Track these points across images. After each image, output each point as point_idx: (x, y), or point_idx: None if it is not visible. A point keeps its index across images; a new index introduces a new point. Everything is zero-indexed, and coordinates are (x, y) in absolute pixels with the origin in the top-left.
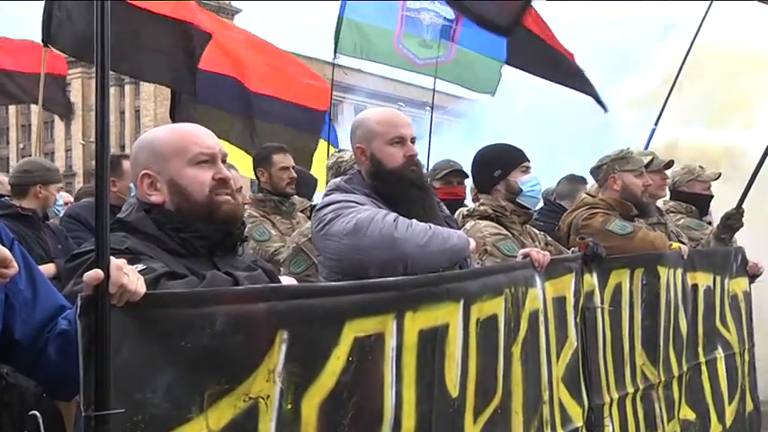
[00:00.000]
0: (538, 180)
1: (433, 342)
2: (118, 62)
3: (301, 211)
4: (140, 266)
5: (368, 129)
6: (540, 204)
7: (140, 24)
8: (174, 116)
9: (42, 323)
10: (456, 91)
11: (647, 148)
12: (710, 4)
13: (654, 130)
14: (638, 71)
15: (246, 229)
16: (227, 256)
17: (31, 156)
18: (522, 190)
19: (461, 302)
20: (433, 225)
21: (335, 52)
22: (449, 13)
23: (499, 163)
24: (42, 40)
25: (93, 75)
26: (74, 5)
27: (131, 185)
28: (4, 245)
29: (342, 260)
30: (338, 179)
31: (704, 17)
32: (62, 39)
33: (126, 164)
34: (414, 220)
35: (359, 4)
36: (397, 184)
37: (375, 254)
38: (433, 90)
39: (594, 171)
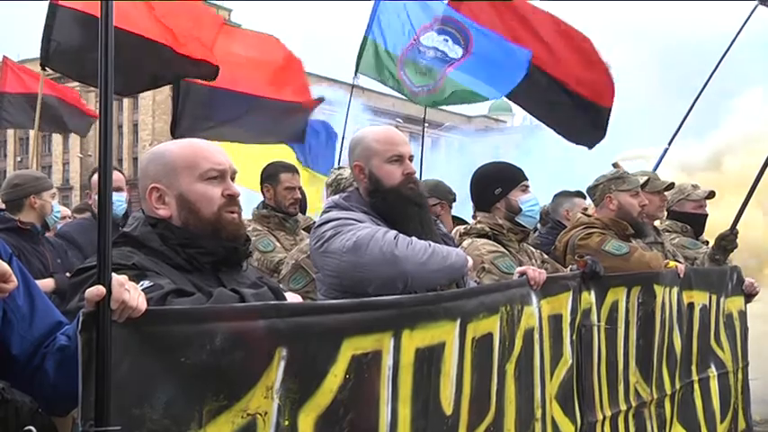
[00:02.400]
0: (537, 200)
1: (429, 360)
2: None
3: (304, 229)
4: (147, 283)
5: (366, 147)
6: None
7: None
8: (175, 131)
9: (40, 339)
10: (455, 108)
11: (657, 167)
12: (753, 10)
13: (666, 150)
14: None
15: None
16: (233, 272)
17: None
18: (521, 209)
19: (458, 321)
20: (432, 243)
21: (356, 72)
22: (456, 54)
23: (500, 181)
24: (41, 64)
25: (91, 89)
26: (71, 29)
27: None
28: (2, 259)
29: (341, 277)
30: (336, 196)
31: (742, 27)
32: (59, 61)
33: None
34: (413, 238)
35: (382, 26)
36: (396, 202)
37: (376, 271)
38: (423, 119)
39: (591, 190)
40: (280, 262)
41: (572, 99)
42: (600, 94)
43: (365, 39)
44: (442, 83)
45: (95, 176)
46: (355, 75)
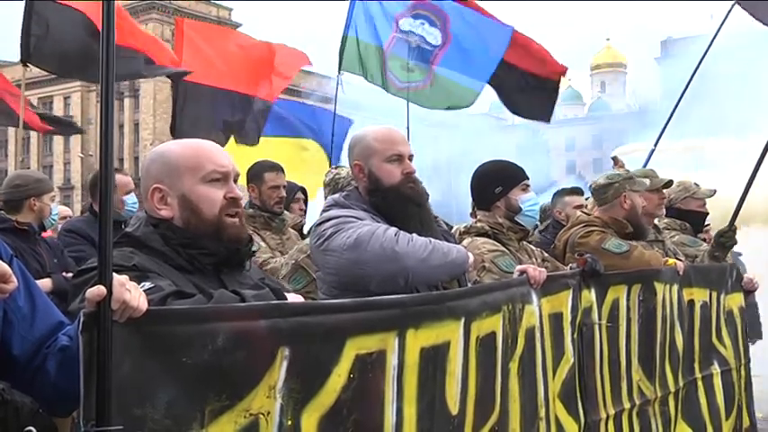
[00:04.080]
0: (537, 200)
1: (434, 360)
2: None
3: (293, 228)
4: (148, 285)
5: (366, 146)
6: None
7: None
8: (175, 131)
9: (41, 339)
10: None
11: (645, 167)
12: (729, 10)
13: (653, 151)
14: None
15: None
16: (235, 273)
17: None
18: (521, 208)
19: (462, 320)
20: (433, 239)
21: (339, 70)
22: (436, 39)
23: (500, 180)
24: (21, 59)
25: (93, 89)
26: (53, 21)
27: (124, 198)
28: (3, 260)
29: (342, 275)
30: (336, 195)
31: (720, 26)
32: (42, 56)
33: (117, 177)
34: (414, 235)
35: (361, 22)
36: (396, 201)
37: (376, 268)
38: (407, 114)
39: (602, 188)
40: (264, 262)
41: (525, 78)
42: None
43: (345, 37)
44: (430, 79)
45: (117, 177)
46: (339, 72)
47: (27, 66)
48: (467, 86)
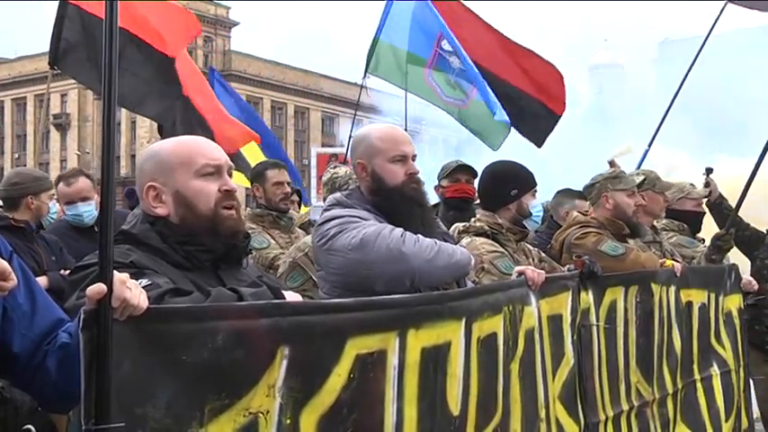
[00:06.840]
0: (540, 206)
1: (435, 360)
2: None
3: (300, 227)
4: (145, 282)
5: (369, 145)
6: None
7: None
8: (162, 132)
9: (41, 337)
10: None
11: (639, 167)
12: (722, 9)
13: (647, 152)
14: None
15: None
16: (232, 270)
17: (26, 166)
18: (531, 214)
19: (463, 320)
20: (438, 240)
21: (366, 73)
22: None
23: (516, 183)
24: (49, 62)
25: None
26: (81, 31)
27: (78, 204)
28: (3, 257)
29: (346, 275)
30: (338, 194)
31: (713, 25)
32: (66, 61)
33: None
34: (419, 235)
35: (396, 28)
36: (398, 202)
37: (383, 268)
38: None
39: (587, 189)
40: (275, 258)
41: (523, 99)
42: (551, 98)
43: (376, 40)
44: (469, 99)
45: (61, 185)
46: (365, 75)
47: (54, 68)
48: (497, 120)
